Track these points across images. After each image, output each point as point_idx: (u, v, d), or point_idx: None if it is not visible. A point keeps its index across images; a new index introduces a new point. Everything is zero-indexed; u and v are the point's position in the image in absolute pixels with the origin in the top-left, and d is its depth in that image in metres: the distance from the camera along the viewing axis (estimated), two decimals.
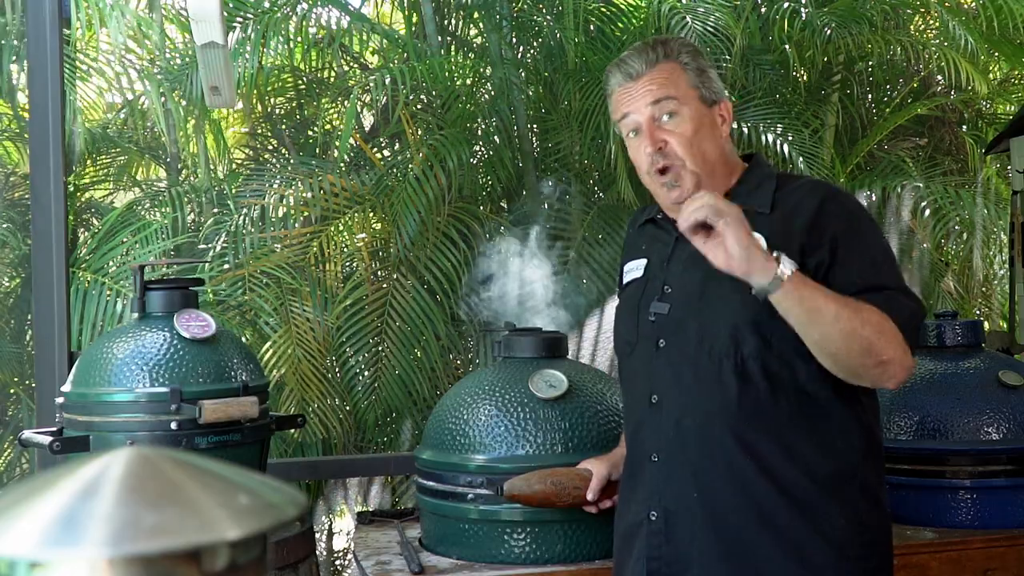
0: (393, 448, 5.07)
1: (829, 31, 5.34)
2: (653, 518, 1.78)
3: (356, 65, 6.11)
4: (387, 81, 4.97)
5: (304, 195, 5.03)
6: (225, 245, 4.93)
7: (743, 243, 1.55)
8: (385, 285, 5.04)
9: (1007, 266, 4.59)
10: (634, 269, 1.93)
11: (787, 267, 1.56)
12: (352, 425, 5.08)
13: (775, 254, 1.58)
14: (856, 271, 1.69)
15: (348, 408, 5.10)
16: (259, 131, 6.24)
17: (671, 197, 1.81)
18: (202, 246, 4.97)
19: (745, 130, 5.26)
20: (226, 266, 4.88)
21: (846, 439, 1.73)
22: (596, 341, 4.67)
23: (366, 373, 4.99)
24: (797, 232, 1.71)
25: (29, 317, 4.99)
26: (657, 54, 1.82)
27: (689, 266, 1.78)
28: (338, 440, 4.96)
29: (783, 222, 1.73)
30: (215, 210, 5.20)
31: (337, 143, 5.92)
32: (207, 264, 4.82)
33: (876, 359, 1.62)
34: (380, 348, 4.96)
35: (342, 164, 5.54)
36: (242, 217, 4.98)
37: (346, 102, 5.59)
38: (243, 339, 4.33)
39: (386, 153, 5.90)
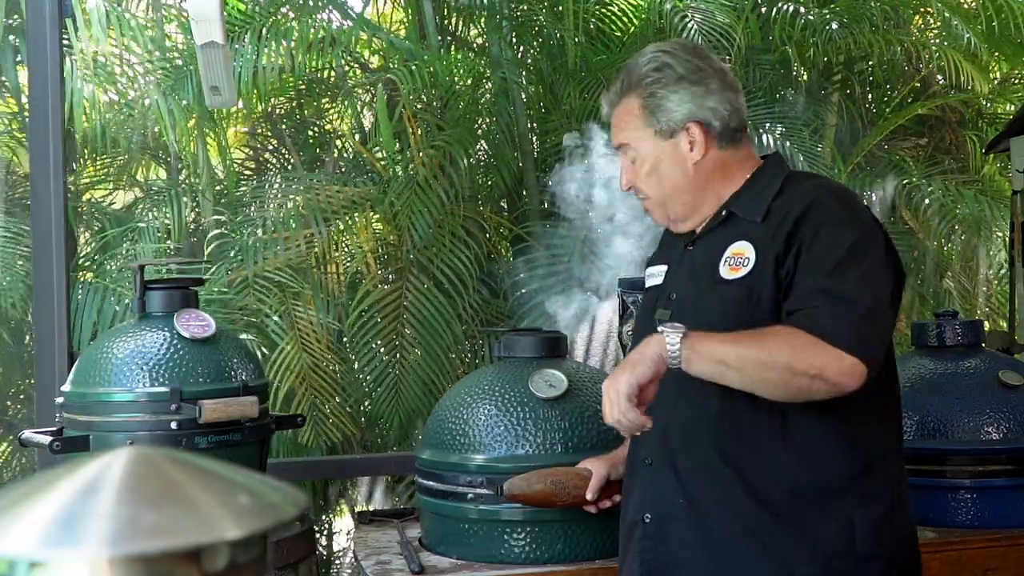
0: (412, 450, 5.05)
1: (829, 31, 5.34)
2: (647, 520, 1.80)
3: (356, 65, 6.10)
4: (405, 72, 4.92)
5: (302, 208, 4.98)
6: (235, 257, 4.91)
7: (624, 377, 1.59)
8: (398, 287, 5.01)
9: (1007, 266, 4.58)
10: (655, 275, 1.96)
11: (672, 336, 1.59)
12: (362, 426, 5.07)
13: (659, 329, 1.61)
14: (806, 278, 1.67)
15: (349, 410, 5.08)
16: (259, 131, 6.22)
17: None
18: (206, 257, 4.95)
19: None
20: (230, 273, 4.86)
21: (832, 453, 1.70)
22: (589, 340, 4.66)
23: (389, 374, 4.94)
24: (777, 242, 1.71)
25: (29, 317, 4.99)
26: (620, 90, 1.87)
27: (692, 276, 1.82)
28: (341, 441, 4.94)
29: (769, 232, 1.73)
30: (215, 217, 5.19)
31: (338, 142, 5.92)
32: (209, 266, 4.80)
33: (805, 375, 1.59)
34: (397, 353, 4.93)
35: (341, 167, 5.53)
36: (247, 234, 4.96)
37: (346, 102, 5.60)
38: (246, 342, 4.31)
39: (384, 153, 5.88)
